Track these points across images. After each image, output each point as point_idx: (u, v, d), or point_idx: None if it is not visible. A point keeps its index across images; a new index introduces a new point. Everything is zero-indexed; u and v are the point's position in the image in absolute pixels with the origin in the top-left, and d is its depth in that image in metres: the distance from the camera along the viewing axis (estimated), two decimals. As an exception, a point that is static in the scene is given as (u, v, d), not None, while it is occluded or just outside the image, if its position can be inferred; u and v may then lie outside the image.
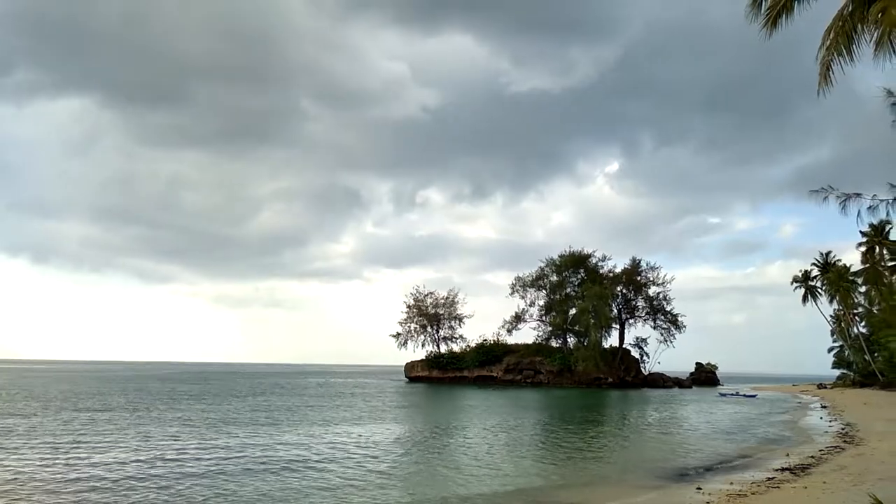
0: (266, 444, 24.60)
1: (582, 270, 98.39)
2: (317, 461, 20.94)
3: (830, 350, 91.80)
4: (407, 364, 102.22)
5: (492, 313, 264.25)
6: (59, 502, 14.64)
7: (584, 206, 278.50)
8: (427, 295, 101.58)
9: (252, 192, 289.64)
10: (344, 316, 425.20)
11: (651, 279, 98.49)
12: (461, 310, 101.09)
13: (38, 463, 19.51)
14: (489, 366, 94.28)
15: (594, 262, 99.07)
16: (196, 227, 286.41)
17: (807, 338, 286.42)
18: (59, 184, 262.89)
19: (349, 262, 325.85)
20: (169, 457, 21.06)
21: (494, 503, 15.81)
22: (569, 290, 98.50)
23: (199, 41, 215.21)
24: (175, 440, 25.34)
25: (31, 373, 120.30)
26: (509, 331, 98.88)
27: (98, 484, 16.49)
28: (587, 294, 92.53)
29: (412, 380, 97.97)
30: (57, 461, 19.87)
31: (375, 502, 15.42)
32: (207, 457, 21.33)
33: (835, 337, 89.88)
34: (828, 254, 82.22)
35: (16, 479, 16.99)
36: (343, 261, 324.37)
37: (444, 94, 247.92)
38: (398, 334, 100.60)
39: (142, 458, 20.77)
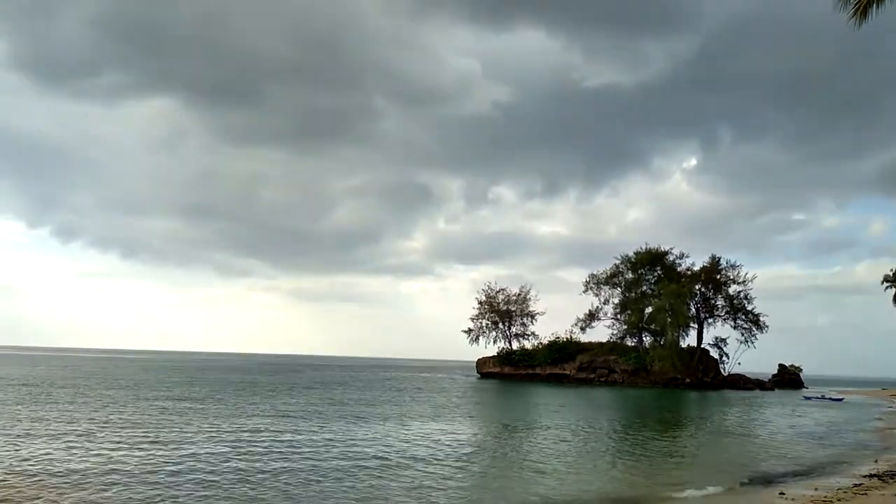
0: (346, 439, 24.90)
1: (658, 268, 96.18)
2: (395, 457, 20.94)
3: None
4: (479, 360, 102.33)
5: (564, 311, 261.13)
6: (150, 492, 15.24)
7: (661, 203, 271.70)
8: (499, 291, 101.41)
9: (327, 189, 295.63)
10: (416, 311, 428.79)
11: (731, 277, 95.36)
12: (533, 307, 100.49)
13: (132, 454, 20.41)
14: (562, 363, 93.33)
15: (671, 259, 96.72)
16: (274, 222, 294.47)
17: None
18: (145, 181, 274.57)
19: (421, 258, 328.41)
20: (249, 449, 21.64)
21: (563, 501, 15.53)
22: (645, 287, 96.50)
23: (275, 42, 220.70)
24: (256, 432, 26.15)
25: (117, 362, 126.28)
26: (583, 329, 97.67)
27: (185, 475, 17.07)
28: (664, 292, 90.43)
29: (484, 375, 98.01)
30: (142, 451, 20.77)
31: (455, 501, 15.35)
32: (289, 450, 21.83)
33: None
34: (924, 252, 77.82)
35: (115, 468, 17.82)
36: (415, 257, 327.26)
37: (516, 89, 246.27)
38: (470, 330, 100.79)
39: (221, 449, 21.48)
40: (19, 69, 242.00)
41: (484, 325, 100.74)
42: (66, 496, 13.88)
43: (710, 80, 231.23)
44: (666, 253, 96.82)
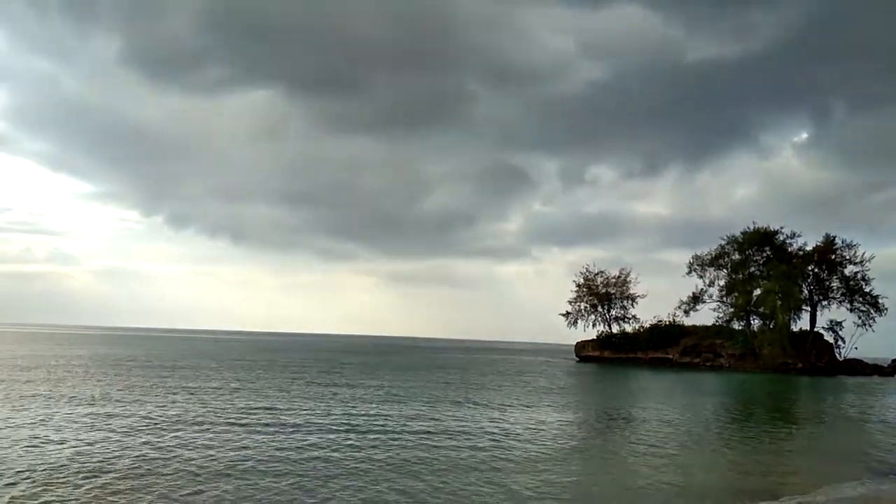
0: (454, 422, 25.22)
1: (767, 248, 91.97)
2: (506, 441, 20.96)
3: None
4: (577, 343, 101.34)
5: (666, 293, 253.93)
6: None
7: (769, 180, 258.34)
8: (597, 274, 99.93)
9: (424, 173, 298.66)
10: (512, 294, 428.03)
11: (847, 258, 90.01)
12: (634, 289, 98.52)
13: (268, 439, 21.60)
14: (664, 347, 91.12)
15: (781, 239, 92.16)
16: (372, 207, 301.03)
17: None
18: (250, 170, 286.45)
19: (517, 240, 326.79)
20: (365, 431, 22.46)
21: (688, 493, 15.25)
22: (753, 269, 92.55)
23: (373, 28, 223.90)
24: (368, 414, 26.95)
25: (228, 343, 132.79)
26: (686, 311, 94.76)
27: (281, 454, 17.96)
28: (773, 273, 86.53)
29: (582, 359, 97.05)
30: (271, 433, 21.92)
31: (558, 484, 15.41)
32: (403, 433, 22.46)
33: None
34: None
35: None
36: (511, 239, 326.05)
37: (614, 66, 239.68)
38: (568, 313, 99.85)
39: (335, 427, 22.38)
40: (133, 65, 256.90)
41: (582, 308, 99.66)
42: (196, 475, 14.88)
43: (822, 49, 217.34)
44: (776, 232, 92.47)
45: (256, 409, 25.33)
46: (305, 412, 24.89)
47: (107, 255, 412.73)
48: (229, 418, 22.43)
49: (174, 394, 29.55)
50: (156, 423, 20.60)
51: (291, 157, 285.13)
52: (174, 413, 23.21)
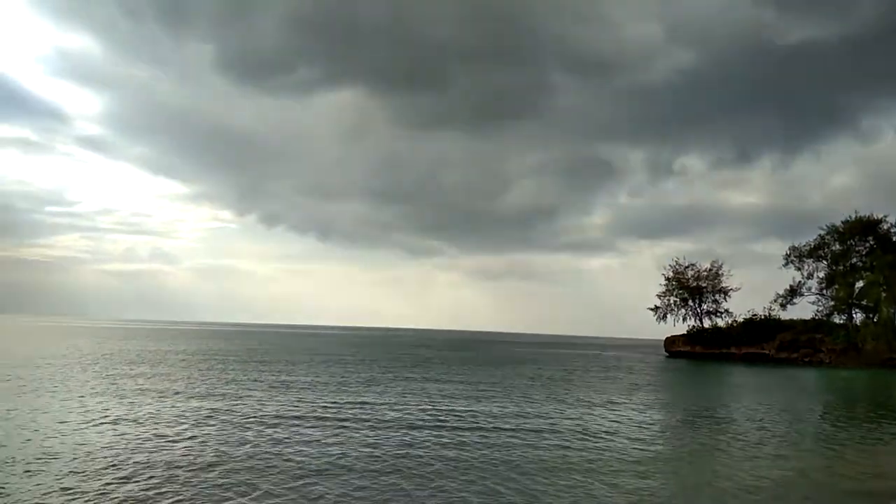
0: (545, 419, 25.33)
1: (871, 238, 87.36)
2: (596, 438, 20.95)
3: None
4: (667, 338, 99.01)
5: (761, 286, 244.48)
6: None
7: (871, 166, 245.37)
8: (688, 267, 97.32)
9: (505, 168, 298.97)
10: (598, 288, 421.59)
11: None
12: (726, 282, 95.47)
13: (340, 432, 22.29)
14: (759, 342, 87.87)
15: (886, 227, 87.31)
16: (455, 203, 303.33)
17: None
18: (336, 169, 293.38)
19: (602, 233, 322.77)
20: (454, 425, 22.83)
21: (799, 494, 14.75)
22: (855, 260, 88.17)
23: (455, 25, 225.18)
24: (453, 408, 27.37)
25: (318, 338, 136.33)
26: (783, 305, 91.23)
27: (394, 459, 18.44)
28: (877, 264, 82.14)
29: (672, 355, 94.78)
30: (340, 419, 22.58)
31: (658, 486, 15.21)
32: (492, 431, 22.70)
33: None
34: None
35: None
36: (596, 233, 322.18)
37: (702, 52, 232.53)
38: (656, 307, 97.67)
39: (425, 424, 22.84)
40: (225, 69, 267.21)
41: (672, 302, 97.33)
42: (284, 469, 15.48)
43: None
44: (879, 221, 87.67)
45: (352, 403, 26.10)
46: (398, 408, 25.40)
47: (203, 254, 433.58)
48: (325, 413, 23.15)
49: (274, 389, 30.77)
50: (258, 419, 21.41)
51: (377, 155, 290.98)
52: (273, 408, 24.07)
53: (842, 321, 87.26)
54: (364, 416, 22.66)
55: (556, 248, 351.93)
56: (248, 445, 17.02)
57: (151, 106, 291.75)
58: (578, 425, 22.68)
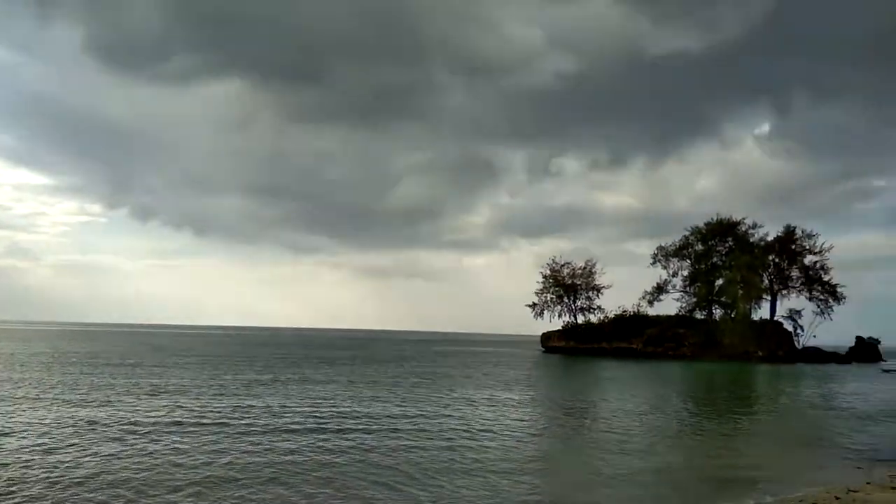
0: (417, 414, 25.43)
1: (730, 239, 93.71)
2: (468, 433, 21.14)
3: None
4: (543, 334, 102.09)
5: (631, 284, 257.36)
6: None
7: (732, 171, 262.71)
8: (564, 265, 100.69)
9: (391, 165, 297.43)
10: (481, 286, 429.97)
11: (807, 248, 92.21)
12: (599, 280, 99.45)
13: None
14: (629, 337, 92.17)
15: (743, 229, 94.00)
16: (340, 200, 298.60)
17: None
18: (216, 162, 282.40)
19: (485, 232, 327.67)
20: (324, 422, 22.52)
21: (663, 481, 15.30)
22: (715, 259, 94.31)
23: (340, 19, 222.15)
24: (327, 403, 27.05)
25: (194, 337, 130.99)
26: (650, 302, 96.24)
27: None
28: (735, 263, 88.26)
29: (548, 349, 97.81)
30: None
31: (506, 469, 15.38)
32: (365, 425, 22.52)
33: None
34: None
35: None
36: (479, 231, 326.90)
37: (580, 59, 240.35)
38: (534, 304, 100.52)
39: (298, 420, 22.32)
40: (97, 55, 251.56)
41: (548, 299, 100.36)
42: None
43: (784, 42, 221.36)
44: (738, 223, 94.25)
45: (231, 408, 24.69)
46: (280, 412, 24.30)
47: (68, 249, 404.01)
48: (197, 419, 21.79)
49: (147, 393, 28.82)
50: (131, 427, 19.56)
51: (259, 149, 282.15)
52: (147, 415, 22.41)
53: (703, 317, 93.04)
54: (244, 422, 21.37)
55: (441, 245, 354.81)
56: (120, 457, 15.41)
57: (13, 92, 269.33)
58: (462, 423, 22.53)
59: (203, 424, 20.32)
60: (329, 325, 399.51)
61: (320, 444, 17.86)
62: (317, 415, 23.33)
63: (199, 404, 25.20)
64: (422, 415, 24.25)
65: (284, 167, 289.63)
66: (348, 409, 24.99)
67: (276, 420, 21.82)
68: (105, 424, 19.82)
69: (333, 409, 24.88)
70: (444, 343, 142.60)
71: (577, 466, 16.84)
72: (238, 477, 13.86)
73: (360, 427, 20.93)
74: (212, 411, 23.39)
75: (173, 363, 48.67)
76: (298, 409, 24.52)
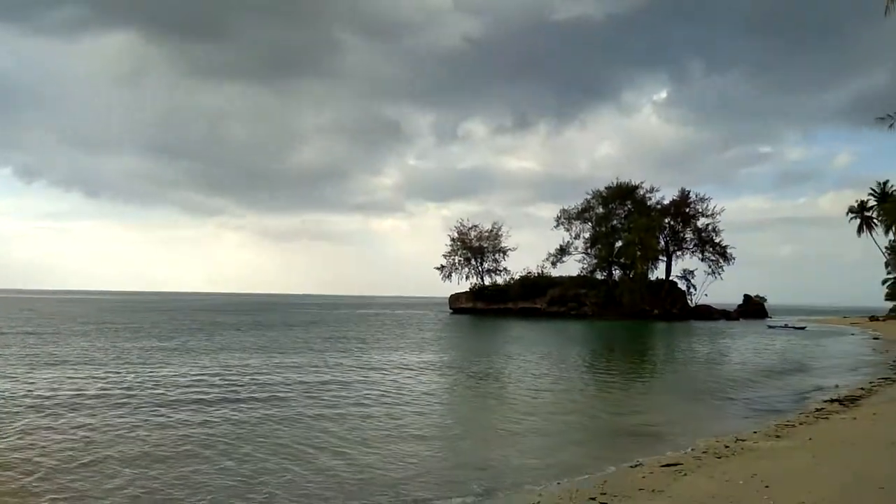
0: (312, 374, 25.47)
1: (629, 202, 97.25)
2: (363, 390, 21.48)
3: (884, 282, 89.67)
4: (451, 296, 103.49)
5: (536, 246, 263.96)
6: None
7: (631, 137, 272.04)
8: (471, 228, 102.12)
9: (295, 126, 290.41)
10: (388, 248, 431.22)
11: (700, 211, 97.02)
12: (505, 243, 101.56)
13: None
14: (533, 298, 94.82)
15: (642, 193, 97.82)
16: (241, 160, 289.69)
17: (860, 270, 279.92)
18: (108, 119, 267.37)
19: (392, 195, 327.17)
20: (223, 387, 22.01)
21: (553, 437, 15.96)
22: (615, 222, 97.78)
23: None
24: (228, 369, 26.44)
25: (83, 304, 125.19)
26: (554, 263, 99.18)
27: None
28: (634, 226, 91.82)
29: (456, 311, 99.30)
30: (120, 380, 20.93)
31: (421, 433, 15.69)
32: (264, 388, 22.18)
33: (889, 269, 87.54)
34: (885, 183, 79.50)
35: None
36: (386, 194, 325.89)
37: (487, 22, 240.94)
38: (442, 267, 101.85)
39: (197, 388, 21.72)
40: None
41: (456, 261, 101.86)
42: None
43: (681, 10, 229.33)
44: (636, 187, 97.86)
45: (132, 378, 23.54)
46: (183, 381, 23.39)
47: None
48: (104, 391, 20.51)
49: (40, 364, 27.10)
50: (24, 402, 18.19)
51: (154, 106, 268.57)
52: (41, 388, 20.92)
53: (603, 277, 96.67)
54: (146, 392, 20.24)
55: (348, 208, 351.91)
56: (24, 437, 14.11)
57: None
58: (372, 388, 22.21)
59: (108, 396, 19.33)
60: (232, 289, 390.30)
61: (232, 414, 16.97)
62: (225, 384, 22.43)
63: (101, 375, 23.95)
64: (334, 381, 23.77)
65: (182, 126, 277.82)
66: (258, 377, 24.16)
67: (184, 391, 20.69)
68: (-4, 399, 18.70)
69: (243, 378, 23.99)
70: (351, 306, 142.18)
71: (488, 426, 17.30)
72: (151, 452, 13.03)
73: (272, 396, 20.25)
74: (116, 383, 22.05)
75: (68, 331, 46.39)
76: (207, 379, 23.48)
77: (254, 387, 21.89)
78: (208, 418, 16.50)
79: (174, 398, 19.27)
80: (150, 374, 24.53)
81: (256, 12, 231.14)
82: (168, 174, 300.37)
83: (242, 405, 18.48)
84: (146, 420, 16.04)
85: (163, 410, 17.33)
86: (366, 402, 19.41)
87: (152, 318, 70.58)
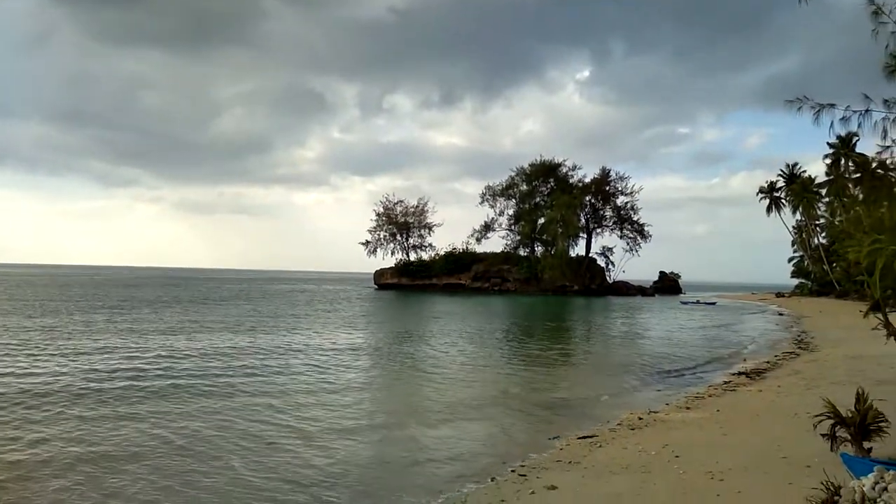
0: (232, 351, 24.98)
1: (552, 180, 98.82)
2: (283, 368, 21.26)
3: (790, 260, 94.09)
4: (376, 271, 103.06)
5: (461, 222, 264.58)
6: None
7: (554, 114, 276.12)
8: (397, 203, 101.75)
9: (214, 94, 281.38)
10: (312, 222, 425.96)
11: (620, 189, 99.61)
12: (431, 218, 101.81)
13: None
14: (458, 273, 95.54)
15: (564, 171, 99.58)
16: (157, 129, 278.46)
17: (768, 248, 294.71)
18: (10, 83, 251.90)
19: (316, 167, 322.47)
20: (130, 365, 21.20)
21: (469, 407, 16.05)
22: (538, 199, 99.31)
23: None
24: (139, 348, 25.42)
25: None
26: (478, 239, 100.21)
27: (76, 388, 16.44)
28: (556, 203, 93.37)
29: (381, 287, 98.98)
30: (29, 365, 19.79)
31: (344, 408, 15.60)
32: (169, 363, 21.50)
33: (795, 247, 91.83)
34: (794, 165, 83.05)
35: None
36: (309, 167, 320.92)
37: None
38: (368, 242, 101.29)
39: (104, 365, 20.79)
40: None
41: (382, 236, 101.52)
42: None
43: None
44: (559, 165, 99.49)
45: (33, 362, 22.20)
46: (90, 365, 22.35)
47: None
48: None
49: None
50: None
51: (62, 71, 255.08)
52: None
53: (526, 254, 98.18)
54: (50, 381, 18.20)
55: (270, 180, 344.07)
56: None
57: None
58: (296, 376, 21.36)
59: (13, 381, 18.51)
60: (148, 263, 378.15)
61: (154, 408, 15.07)
62: (138, 368, 20.67)
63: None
64: (260, 366, 21.99)
65: (92, 92, 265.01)
66: (170, 362, 22.70)
67: (99, 378, 18.81)
68: None
69: (159, 362, 22.25)
70: (273, 281, 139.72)
71: (416, 400, 17.30)
72: (44, 454, 11.84)
73: (184, 383, 18.86)
74: (21, 369, 20.35)
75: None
76: (116, 361, 22.36)
77: (162, 372, 20.18)
78: (132, 412, 14.70)
79: (84, 387, 18.33)
80: (41, 355, 23.37)
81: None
82: (77, 143, 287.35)
83: (150, 395, 16.63)
84: (61, 413, 15.09)
85: (58, 402, 16.39)
86: (287, 391, 17.53)
87: (62, 293, 67.23)
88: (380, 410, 15.95)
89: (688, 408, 15.21)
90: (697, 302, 77.72)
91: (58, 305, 47.83)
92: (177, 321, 36.73)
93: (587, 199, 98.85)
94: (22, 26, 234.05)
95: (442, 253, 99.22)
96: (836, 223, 74.80)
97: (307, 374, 20.20)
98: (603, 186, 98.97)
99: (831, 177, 71.01)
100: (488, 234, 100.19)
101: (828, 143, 67.36)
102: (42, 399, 15.35)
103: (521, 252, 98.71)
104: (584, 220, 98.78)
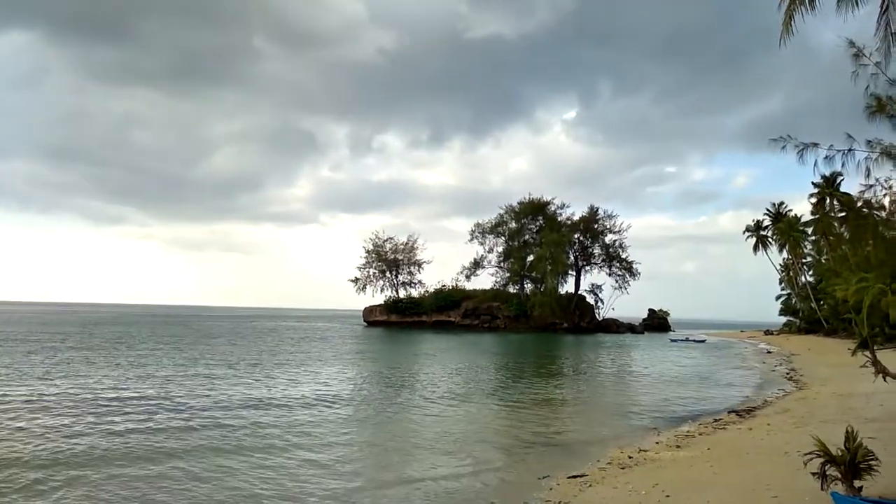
0: (223, 390, 24.73)
1: (541, 218, 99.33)
2: (274, 407, 21.07)
3: (778, 298, 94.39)
4: (365, 308, 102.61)
5: (450, 259, 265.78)
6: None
7: (542, 154, 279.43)
8: (386, 240, 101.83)
9: (206, 133, 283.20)
10: (301, 260, 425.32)
11: (608, 227, 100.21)
12: (420, 255, 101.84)
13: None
14: (447, 311, 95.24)
15: (553, 209, 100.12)
16: (148, 167, 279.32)
17: (756, 286, 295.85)
18: (4, 121, 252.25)
19: (305, 206, 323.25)
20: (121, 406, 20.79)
21: (459, 450, 15.88)
22: (527, 237, 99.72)
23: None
24: (133, 387, 25.08)
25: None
26: (468, 277, 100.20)
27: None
28: (545, 241, 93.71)
29: (371, 324, 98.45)
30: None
31: (343, 445, 15.40)
32: (158, 403, 21.17)
33: (783, 285, 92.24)
34: (780, 204, 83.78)
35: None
36: (299, 205, 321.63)
37: (402, 36, 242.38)
38: (357, 279, 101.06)
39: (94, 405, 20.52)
40: None
41: (371, 273, 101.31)
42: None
43: (592, 33, 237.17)
44: (548, 203, 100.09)
45: (19, 393, 22.21)
46: (75, 399, 22.08)
47: None
48: None
49: None
50: None
51: (55, 109, 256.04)
52: None
53: (516, 291, 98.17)
54: (31, 416, 18.73)
55: (260, 218, 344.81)
56: None
57: None
58: (270, 401, 22.05)
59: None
60: (138, 300, 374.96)
61: (137, 437, 15.92)
62: (126, 403, 20.96)
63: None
64: (249, 401, 22.35)
65: (83, 130, 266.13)
66: (166, 394, 23.13)
67: (68, 412, 19.29)
68: None
69: (149, 395, 22.68)
70: (263, 318, 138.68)
71: (404, 439, 17.13)
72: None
73: (180, 414, 19.31)
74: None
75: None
76: (102, 394, 22.40)
77: (147, 412, 20.18)
78: (108, 445, 15.14)
79: (50, 422, 18.11)
80: (27, 390, 23.05)
81: (169, 14, 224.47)
82: (69, 180, 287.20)
83: (157, 432, 16.79)
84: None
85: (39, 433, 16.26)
86: (277, 433, 17.61)
87: (47, 331, 66.42)
88: (370, 445, 15.76)
89: (678, 446, 15.11)
90: (687, 340, 77.70)
91: (38, 346, 47.22)
92: (179, 359, 36.34)
93: (576, 236, 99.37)
94: (15, 64, 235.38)
95: (431, 290, 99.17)
96: (823, 261, 75.36)
97: (293, 412, 19.94)
98: (591, 224, 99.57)
99: (817, 215, 71.61)
100: (478, 272, 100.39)
101: (813, 183, 68.07)
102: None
103: (511, 289, 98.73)
104: (572, 258, 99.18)
